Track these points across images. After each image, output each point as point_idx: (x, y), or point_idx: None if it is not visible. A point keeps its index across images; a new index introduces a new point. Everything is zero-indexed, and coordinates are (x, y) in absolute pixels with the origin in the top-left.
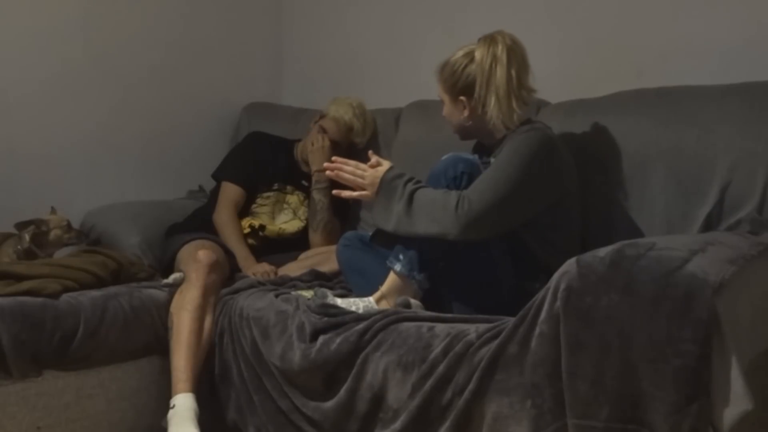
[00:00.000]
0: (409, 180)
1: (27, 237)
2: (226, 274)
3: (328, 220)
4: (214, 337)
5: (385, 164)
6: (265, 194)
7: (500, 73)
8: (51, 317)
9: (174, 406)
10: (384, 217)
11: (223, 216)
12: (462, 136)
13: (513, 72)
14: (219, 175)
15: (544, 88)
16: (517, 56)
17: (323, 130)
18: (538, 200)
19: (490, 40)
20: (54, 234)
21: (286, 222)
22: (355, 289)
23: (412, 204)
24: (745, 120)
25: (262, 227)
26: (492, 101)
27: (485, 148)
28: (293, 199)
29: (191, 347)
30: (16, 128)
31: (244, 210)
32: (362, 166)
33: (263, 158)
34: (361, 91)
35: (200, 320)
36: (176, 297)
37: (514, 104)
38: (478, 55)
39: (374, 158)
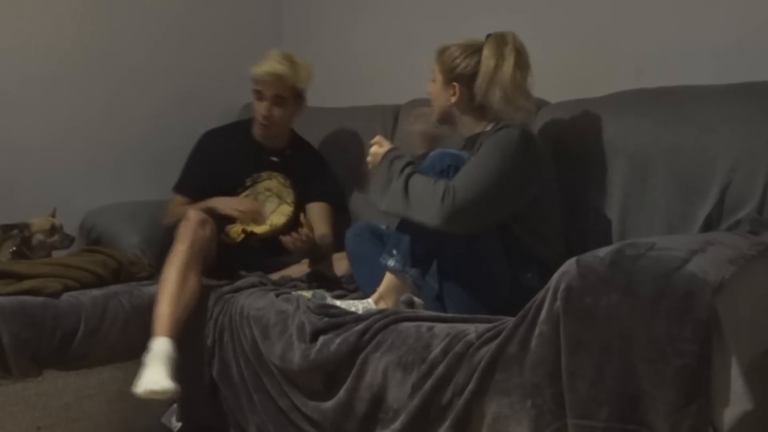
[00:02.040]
0: (410, 163)
1: (18, 239)
2: (215, 238)
3: (316, 253)
4: (206, 306)
5: (386, 145)
6: (243, 194)
7: (506, 69)
8: (51, 316)
9: (150, 349)
10: (379, 193)
11: (177, 215)
12: (441, 118)
13: (518, 72)
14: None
15: (544, 88)
16: (522, 59)
17: (259, 95)
18: (520, 193)
19: (500, 37)
20: (36, 239)
21: (274, 211)
22: (359, 279)
23: (407, 188)
24: (745, 120)
25: (253, 233)
26: (497, 95)
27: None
28: (272, 183)
29: (173, 295)
30: (16, 128)
31: (230, 218)
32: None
33: (222, 159)
34: (360, 89)
35: (185, 273)
36: (168, 256)
37: (522, 102)
38: (487, 50)
39: (377, 138)
